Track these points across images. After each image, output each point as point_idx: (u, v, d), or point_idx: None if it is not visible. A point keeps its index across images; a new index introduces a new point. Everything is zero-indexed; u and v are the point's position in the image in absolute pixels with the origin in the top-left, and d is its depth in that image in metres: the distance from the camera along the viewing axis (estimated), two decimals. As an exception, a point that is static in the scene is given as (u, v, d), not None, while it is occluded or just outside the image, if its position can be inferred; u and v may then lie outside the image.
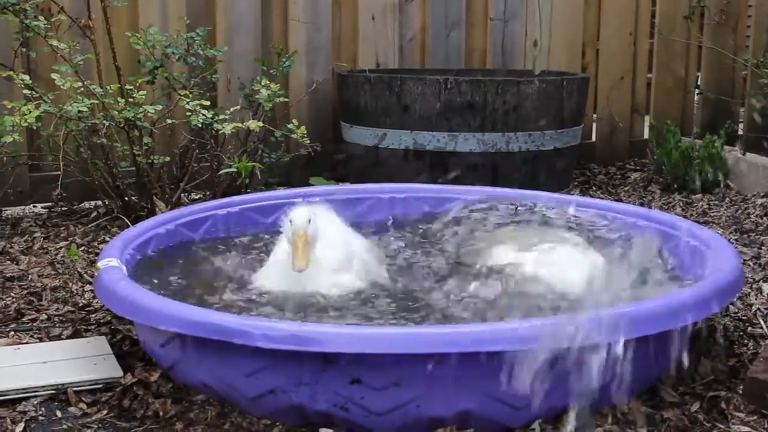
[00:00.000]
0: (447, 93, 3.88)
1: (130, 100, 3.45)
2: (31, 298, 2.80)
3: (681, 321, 2.05)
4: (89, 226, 3.60)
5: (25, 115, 3.28)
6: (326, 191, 3.29)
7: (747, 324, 2.58)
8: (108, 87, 3.48)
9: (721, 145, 4.52)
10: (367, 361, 1.87)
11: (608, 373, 1.98)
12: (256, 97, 3.79)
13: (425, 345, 1.86)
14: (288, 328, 1.89)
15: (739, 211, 4.03)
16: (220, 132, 3.53)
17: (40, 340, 2.47)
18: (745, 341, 2.46)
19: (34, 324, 2.59)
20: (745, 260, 3.20)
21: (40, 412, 2.05)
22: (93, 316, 2.63)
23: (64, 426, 2.00)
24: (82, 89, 3.40)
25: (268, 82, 3.77)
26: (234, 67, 4.26)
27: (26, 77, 3.42)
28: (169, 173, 3.81)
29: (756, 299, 2.81)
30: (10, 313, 2.67)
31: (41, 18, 3.46)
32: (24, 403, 2.09)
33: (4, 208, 3.86)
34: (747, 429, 1.99)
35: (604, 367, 1.96)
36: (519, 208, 2.92)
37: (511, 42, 4.92)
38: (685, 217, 3.69)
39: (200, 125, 3.49)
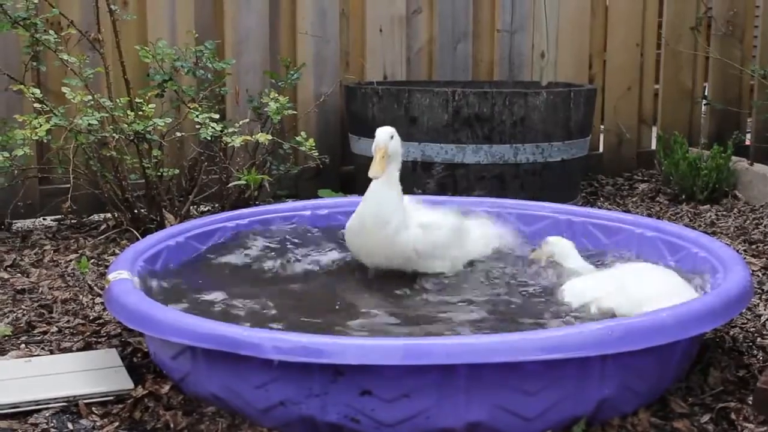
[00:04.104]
0: (455, 105, 3.89)
1: (140, 113, 3.46)
2: (42, 311, 2.81)
3: (689, 332, 2.06)
4: (99, 238, 3.62)
5: (36, 128, 3.31)
6: (335, 203, 3.30)
7: (756, 335, 2.58)
8: (118, 100, 3.51)
9: (728, 156, 4.52)
10: (378, 372, 1.88)
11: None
12: (265, 109, 3.81)
13: (435, 357, 1.87)
14: (298, 340, 1.90)
15: (747, 222, 4.03)
16: (229, 145, 3.55)
17: (51, 352, 2.48)
18: (755, 352, 2.46)
19: (45, 336, 2.61)
20: (753, 271, 3.20)
21: (52, 425, 2.06)
22: (103, 328, 2.64)
23: (76, 438, 2.01)
24: (92, 102, 3.42)
25: (276, 95, 3.79)
26: (242, 79, 4.28)
27: (37, 91, 3.44)
28: (178, 186, 3.83)
29: (765, 309, 2.80)
30: (21, 325, 2.68)
31: (51, 32, 3.48)
32: (36, 415, 2.10)
33: (14, 221, 3.88)
34: (757, 440, 1.99)
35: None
36: None
37: (518, 53, 4.94)
38: (692, 228, 3.70)
39: (210, 138, 3.51)
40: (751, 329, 2.63)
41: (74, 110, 3.51)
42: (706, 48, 5.23)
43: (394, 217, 2.67)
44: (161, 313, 2.09)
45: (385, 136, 2.69)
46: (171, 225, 3.48)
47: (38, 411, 2.11)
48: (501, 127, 3.91)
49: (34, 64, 3.61)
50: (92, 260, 3.32)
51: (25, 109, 3.75)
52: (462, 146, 3.91)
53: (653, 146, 5.23)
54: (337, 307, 2.51)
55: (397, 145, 2.74)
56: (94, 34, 3.58)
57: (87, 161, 3.65)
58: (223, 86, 3.97)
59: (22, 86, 3.45)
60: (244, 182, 3.58)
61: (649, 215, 4.16)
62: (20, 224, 3.92)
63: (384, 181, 2.67)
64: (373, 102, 4.03)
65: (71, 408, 2.13)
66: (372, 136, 2.73)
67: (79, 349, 2.49)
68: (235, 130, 3.57)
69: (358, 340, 1.96)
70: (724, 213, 4.22)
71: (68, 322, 2.72)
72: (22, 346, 2.53)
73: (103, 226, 3.79)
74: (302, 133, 3.77)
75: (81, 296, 2.94)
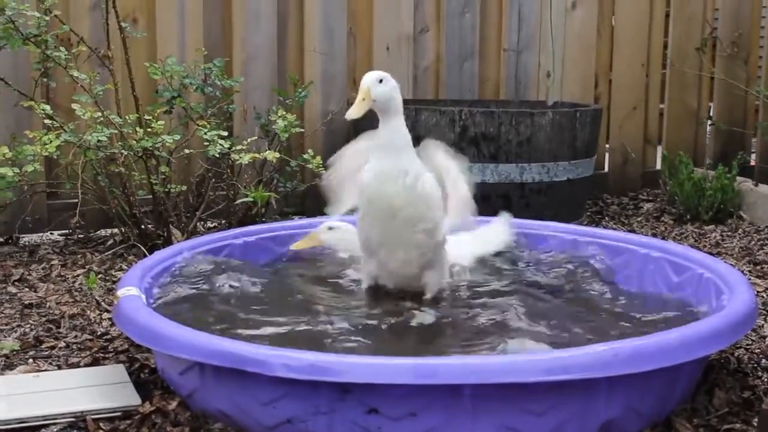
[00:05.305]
0: (461, 124, 3.91)
1: (149, 129, 3.49)
2: (50, 326, 2.82)
3: (695, 354, 2.07)
4: (106, 253, 3.63)
5: (46, 144, 3.33)
6: (342, 221, 3.31)
7: (761, 356, 2.59)
8: (127, 117, 3.53)
9: (733, 176, 4.53)
10: (385, 391, 1.89)
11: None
12: (273, 127, 3.83)
13: (442, 377, 1.88)
14: (306, 358, 1.91)
15: (752, 243, 4.04)
16: (236, 162, 3.57)
17: (59, 367, 2.49)
18: (759, 373, 2.47)
19: (53, 351, 2.62)
20: (758, 292, 3.21)
21: (60, 440, 2.08)
22: (111, 344, 2.65)
23: (84, 453, 2.02)
24: (102, 119, 3.44)
25: (284, 113, 3.81)
26: (250, 96, 4.30)
27: (47, 107, 3.47)
28: (186, 202, 3.85)
29: (770, 331, 2.81)
30: (29, 340, 2.69)
31: (62, 48, 3.51)
32: (43, 430, 2.11)
33: (21, 235, 3.90)
34: (762, 462, 2.00)
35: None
36: None
37: (524, 72, 4.96)
38: (697, 248, 3.71)
39: (218, 155, 3.53)
40: (756, 350, 2.63)
41: (83, 126, 3.53)
42: (711, 69, 5.25)
43: (410, 167, 2.54)
44: (171, 330, 2.11)
45: (370, 78, 2.51)
46: (178, 241, 3.50)
47: (46, 426, 2.12)
48: (507, 146, 3.93)
49: (44, 80, 3.63)
50: (99, 275, 3.34)
51: (34, 124, 3.77)
52: (468, 165, 3.92)
53: (658, 166, 5.25)
54: (344, 323, 2.51)
55: (387, 90, 2.52)
56: (104, 51, 3.60)
57: (95, 177, 3.67)
58: (231, 103, 3.99)
59: (32, 102, 3.47)
60: (252, 199, 3.59)
61: (654, 235, 4.17)
62: (27, 238, 3.94)
63: (392, 131, 2.55)
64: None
65: (79, 423, 2.14)
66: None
67: (86, 365, 2.50)
68: (243, 147, 3.59)
69: (365, 359, 1.98)
70: (729, 233, 4.23)
71: (76, 337, 2.73)
72: (30, 361, 2.54)
73: (110, 242, 3.81)
74: (309, 151, 3.79)
75: (88, 311, 2.95)
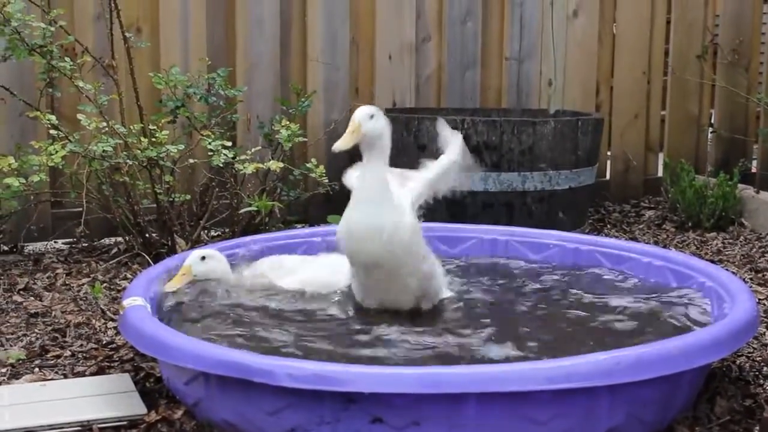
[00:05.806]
0: (463, 133, 3.92)
1: (153, 139, 3.51)
2: (56, 335, 2.84)
3: (696, 362, 2.09)
4: (110, 262, 3.65)
5: (52, 155, 3.35)
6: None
7: (762, 364, 2.60)
8: (131, 126, 3.55)
9: (734, 184, 4.55)
10: (389, 400, 1.91)
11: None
12: (276, 136, 3.85)
13: (445, 386, 1.89)
14: (311, 368, 1.93)
15: (754, 250, 4.05)
16: (240, 172, 3.59)
17: (65, 376, 2.51)
18: (761, 381, 2.48)
19: (59, 360, 2.63)
20: (759, 300, 3.22)
21: (67, 449, 2.09)
22: (116, 353, 2.66)
23: (90, 463, 2.04)
24: (107, 129, 3.46)
25: (287, 122, 3.83)
26: (253, 106, 4.32)
27: (53, 117, 3.49)
28: (190, 211, 3.86)
29: (771, 339, 2.83)
30: (35, 349, 2.71)
31: (67, 59, 3.53)
32: (50, 439, 2.13)
33: (26, 244, 3.92)
34: (763, 470, 2.01)
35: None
36: None
37: (526, 81, 4.98)
38: (699, 256, 3.72)
39: (222, 165, 3.55)
40: (758, 358, 2.65)
41: (88, 136, 3.55)
42: (712, 76, 5.27)
43: (386, 222, 2.50)
44: (177, 340, 2.12)
45: (361, 113, 2.48)
46: (182, 250, 3.52)
47: (53, 435, 2.14)
48: (509, 155, 3.94)
49: (50, 90, 3.65)
50: (104, 284, 3.35)
51: (39, 134, 3.80)
52: (470, 174, 3.93)
53: (660, 173, 5.27)
54: (349, 332, 2.53)
55: (379, 126, 2.50)
56: (108, 61, 3.62)
57: (99, 186, 3.69)
58: (234, 113, 4.01)
59: (38, 112, 3.49)
60: (255, 208, 3.61)
61: (656, 243, 4.18)
62: (32, 247, 3.96)
63: (371, 179, 2.52)
64: (382, 129, 4.06)
65: (85, 432, 2.16)
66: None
67: (92, 374, 2.51)
68: (247, 157, 3.60)
69: (369, 368, 1.99)
70: (731, 241, 4.24)
71: (81, 346, 2.75)
72: (36, 370, 2.56)
73: (114, 250, 3.83)
74: (312, 160, 3.81)
75: (94, 320, 2.97)
